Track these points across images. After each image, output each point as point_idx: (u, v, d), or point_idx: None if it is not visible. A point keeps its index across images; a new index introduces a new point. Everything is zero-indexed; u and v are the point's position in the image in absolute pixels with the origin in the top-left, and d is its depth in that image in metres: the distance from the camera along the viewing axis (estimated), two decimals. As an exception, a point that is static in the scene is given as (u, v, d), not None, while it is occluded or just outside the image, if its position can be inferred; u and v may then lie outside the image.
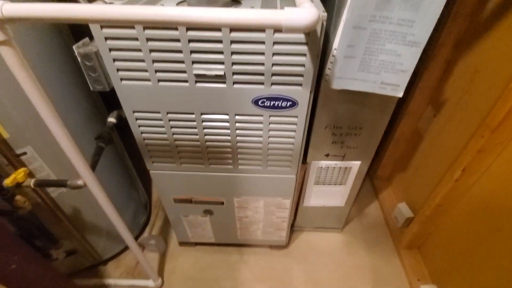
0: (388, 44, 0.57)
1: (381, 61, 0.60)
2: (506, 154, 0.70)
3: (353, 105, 0.72)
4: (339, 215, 1.09)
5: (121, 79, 0.58)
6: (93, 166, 0.61)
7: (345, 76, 0.63)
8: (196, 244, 1.11)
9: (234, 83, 0.57)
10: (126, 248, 1.07)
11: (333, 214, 1.08)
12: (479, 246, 0.77)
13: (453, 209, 0.87)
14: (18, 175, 0.58)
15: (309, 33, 0.49)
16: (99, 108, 0.85)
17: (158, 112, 0.63)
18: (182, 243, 1.10)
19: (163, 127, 0.66)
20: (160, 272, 1.03)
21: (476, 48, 0.79)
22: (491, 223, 0.73)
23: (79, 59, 0.55)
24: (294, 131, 0.65)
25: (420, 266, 1.02)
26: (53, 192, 0.77)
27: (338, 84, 0.65)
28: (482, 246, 0.76)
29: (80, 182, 0.58)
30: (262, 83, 0.57)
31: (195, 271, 1.04)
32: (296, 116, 0.62)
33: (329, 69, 0.64)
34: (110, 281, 0.98)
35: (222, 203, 0.87)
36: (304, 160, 0.86)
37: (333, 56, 0.60)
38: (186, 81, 0.57)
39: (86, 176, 0.57)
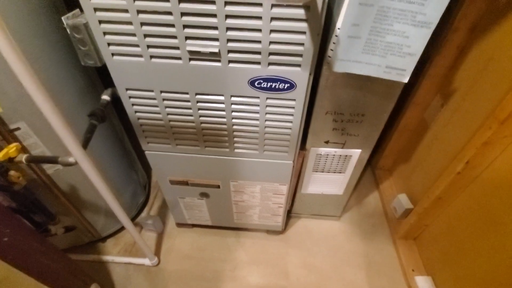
0: (396, 24, 0.53)
1: (387, 42, 0.56)
2: (513, 148, 0.67)
3: (356, 91, 0.69)
4: (337, 203, 1.08)
5: (112, 54, 0.56)
6: (85, 144, 0.60)
7: (348, 58, 0.60)
8: (194, 225, 1.12)
9: (230, 62, 0.54)
10: (123, 227, 1.08)
11: (331, 202, 1.07)
12: (475, 240, 0.75)
13: (453, 202, 0.85)
14: (10, 150, 0.58)
15: (309, 8, 0.45)
16: (95, 84, 0.83)
17: (152, 91, 0.61)
18: (179, 224, 1.11)
19: (157, 106, 0.64)
20: (157, 251, 1.05)
21: (493, 34, 0.74)
22: (490, 217, 0.71)
23: (68, 31, 0.53)
24: (292, 115, 0.63)
25: (415, 256, 1.02)
26: (49, 169, 0.77)
27: (340, 67, 0.61)
28: (478, 240, 0.74)
29: (71, 160, 0.57)
30: (259, 63, 0.54)
31: (191, 251, 1.05)
32: (294, 100, 0.60)
33: (331, 50, 0.60)
34: (107, 257, 1.00)
35: (218, 187, 0.86)
36: (303, 146, 0.84)
37: (336, 36, 0.57)
38: (179, 58, 0.55)
39: (77, 154, 0.56)
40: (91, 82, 0.81)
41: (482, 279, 0.73)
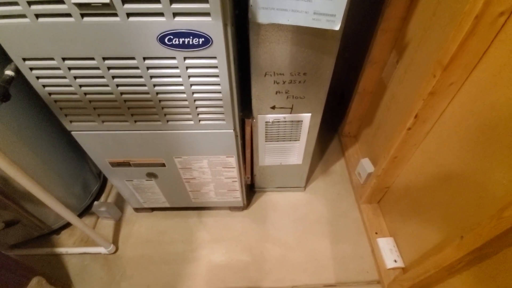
0: (313, -43, 0.46)
1: (310, -17, 0.50)
2: (460, 98, 0.63)
3: (291, 46, 0.63)
4: (299, 174, 1.05)
5: (-7, 17, 0.47)
6: (-19, 125, 0.53)
7: (271, 5, 0.53)
8: (153, 209, 1.07)
9: (129, 15, 0.47)
10: (79, 216, 1.03)
11: (292, 172, 1.04)
12: (429, 197, 0.73)
13: (409, 160, 0.82)
14: None
15: None
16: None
17: (53, 59, 0.53)
18: (137, 209, 1.06)
19: (65, 77, 0.57)
20: (115, 238, 1.00)
21: (440, -25, 0.68)
22: (442, 172, 0.69)
23: None
24: (218, 76, 0.57)
25: (379, 220, 1.01)
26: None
27: (264, 16, 0.55)
28: (431, 197, 0.73)
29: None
30: (162, 14, 0.47)
31: (151, 235, 1.01)
32: (215, 57, 0.53)
33: (251, -3, 0.53)
34: (61, 249, 0.95)
35: (164, 165, 0.81)
36: (249, 115, 0.79)
37: (251, -23, 0.50)
38: (69, 14, 0.47)
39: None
40: None
41: (434, 233, 0.71)
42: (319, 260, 0.95)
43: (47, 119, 0.84)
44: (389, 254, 0.89)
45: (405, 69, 0.84)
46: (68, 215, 0.76)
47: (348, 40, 1.06)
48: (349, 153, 1.22)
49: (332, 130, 1.35)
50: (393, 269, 0.87)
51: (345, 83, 1.20)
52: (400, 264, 0.87)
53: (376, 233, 0.97)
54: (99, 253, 0.95)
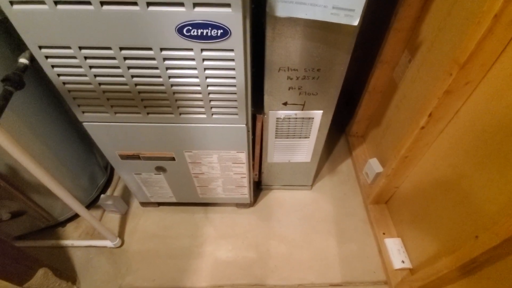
0: (336, -50, 0.46)
1: (331, -23, 0.50)
2: (476, 97, 0.63)
3: (307, 41, 0.62)
4: (307, 172, 1.05)
5: (11, 2, 0.47)
6: (-3, 112, 0.53)
7: (290, -1, 0.53)
8: (160, 204, 1.07)
9: (149, 4, 0.47)
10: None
11: (300, 170, 1.04)
12: (440, 197, 0.73)
13: (420, 160, 0.82)
14: None
15: None
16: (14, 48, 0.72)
17: (69, 48, 0.53)
18: (144, 204, 1.06)
19: (80, 67, 0.56)
20: (121, 232, 1.00)
21: (457, -26, 0.68)
22: (454, 172, 0.68)
23: None
24: (234, 69, 0.56)
25: (386, 220, 1.00)
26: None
27: (283, 10, 0.54)
28: (442, 197, 0.72)
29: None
30: (182, 4, 0.47)
31: (157, 230, 1.01)
32: (232, 50, 0.53)
33: (270, -10, 0.53)
34: (67, 242, 0.95)
35: (173, 159, 0.81)
36: (261, 111, 0.79)
37: (272, -31, 0.50)
38: (89, 2, 0.47)
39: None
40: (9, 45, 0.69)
41: (445, 235, 0.71)
42: (325, 259, 0.95)
43: (57, 110, 0.84)
44: (397, 254, 0.89)
45: (418, 69, 0.83)
46: (77, 206, 0.76)
47: (359, 39, 1.05)
48: (357, 153, 1.21)
49: (340, 130, 1.34)
50: (401, 269, 0.87)
51: (355, 82, 1.20)
52: (407, 265, 0.86)
53: (383, 233, 0.97)
54: (105, 247, 0.95)
